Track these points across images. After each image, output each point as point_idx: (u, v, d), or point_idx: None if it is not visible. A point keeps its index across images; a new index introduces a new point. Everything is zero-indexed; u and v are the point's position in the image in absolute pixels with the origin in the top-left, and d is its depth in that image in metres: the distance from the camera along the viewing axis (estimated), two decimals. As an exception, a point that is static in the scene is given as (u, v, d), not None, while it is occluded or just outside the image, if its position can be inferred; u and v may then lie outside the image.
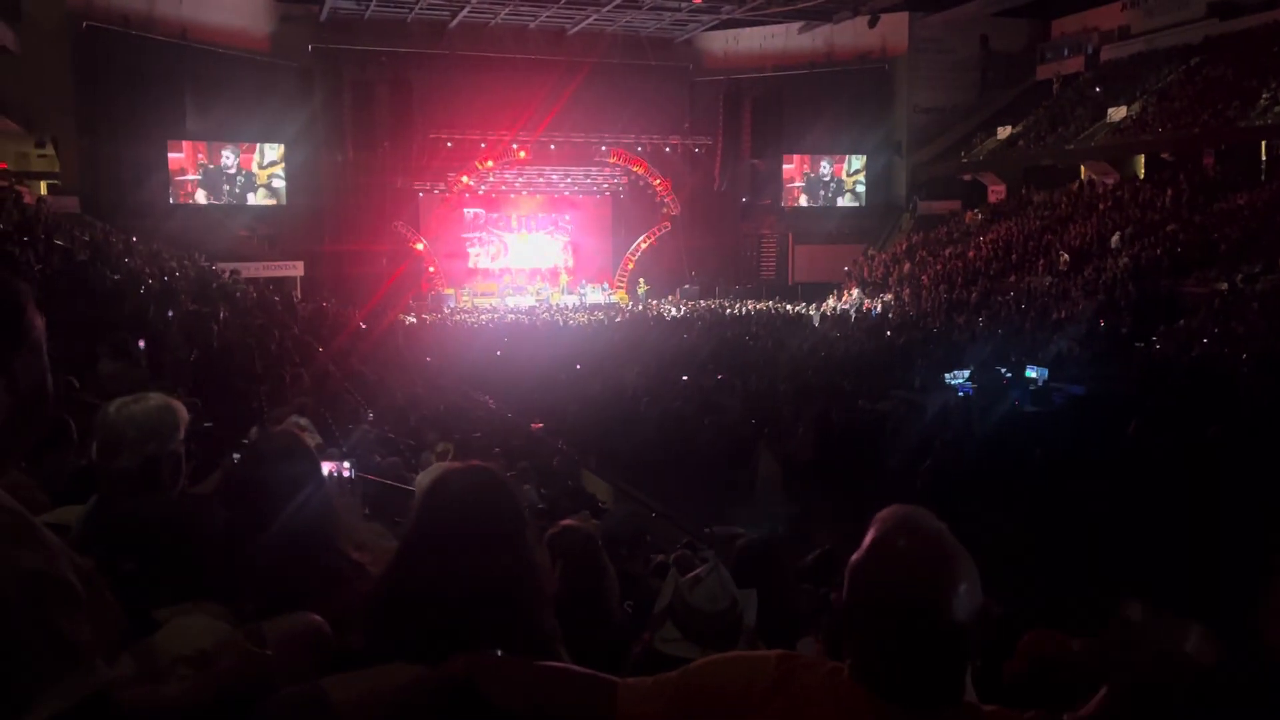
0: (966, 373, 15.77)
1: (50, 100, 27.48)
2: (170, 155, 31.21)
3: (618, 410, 14.73)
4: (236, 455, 2.62)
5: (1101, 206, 27.77)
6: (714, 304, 33.32)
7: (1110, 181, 29.76)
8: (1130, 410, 9.98)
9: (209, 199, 32.09)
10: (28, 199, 21.27)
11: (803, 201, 38.36)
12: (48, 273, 9.92)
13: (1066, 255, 25.35)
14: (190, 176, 31.92)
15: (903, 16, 34.92)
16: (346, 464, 3.43)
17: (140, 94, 29.22)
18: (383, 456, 7.34)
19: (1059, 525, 7.55)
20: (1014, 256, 27.57)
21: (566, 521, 3.50)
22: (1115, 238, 24.80)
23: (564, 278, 37.67)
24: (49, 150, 28.90)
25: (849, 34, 35.63)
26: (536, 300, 35.06)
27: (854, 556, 1.47)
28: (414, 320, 28.42)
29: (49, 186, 27.88)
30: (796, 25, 35.86)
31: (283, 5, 32.86)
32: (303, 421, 6.14)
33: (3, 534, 1.20)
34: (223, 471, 2.69)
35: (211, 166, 32.14)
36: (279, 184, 33.22)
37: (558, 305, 34.22)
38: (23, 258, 9.65)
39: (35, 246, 11.54)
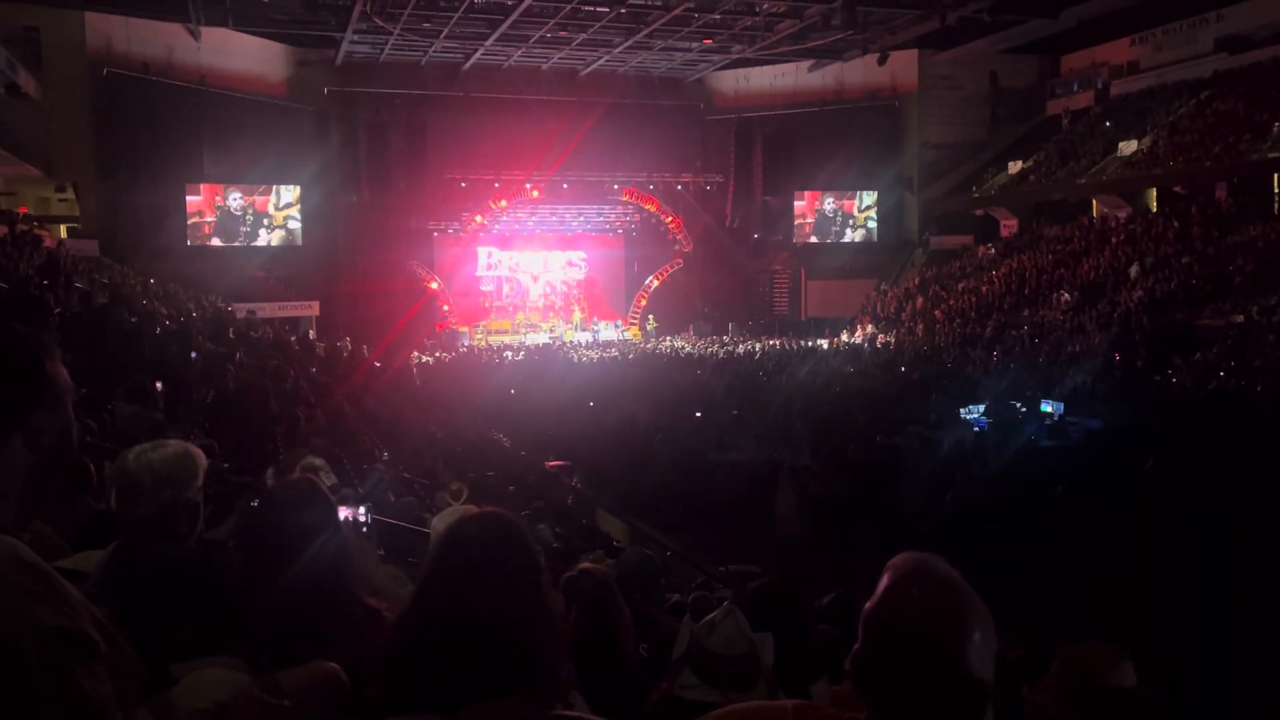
0: (982, 407, 15.71)
1: (71, 145, 27.92)
2: (188, 198, 31.59)
3: (632, 448, 14.69)
4: (254, 501, 2.63)
5: (1114, 240, 27.75)
6: (727, 340, 33.34)
7: (1123, 215, 29.77)
8: (1148, 444, 9.91)
9: (225, 241, 32.42)
10: (48, 242, 21.55)
11: (814, 237, 38.49)
12: (67, 316, 10.02)
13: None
14: (207, 219, 32.28)
15: (912, 54, 35.19)
16: (362, 509, 3.44)
17: (159, 138, 29.65)
18: (397, 496, 7.35)
19: (1078, 562, 7.48)
20: (1027, 291, 27.55)
21: (582, 564, 3.50)
22: (1134, 268, 24.76)
23: (577, 315, 37.82)
24: (69, 194, 29.32)
25: (859, 72, 35.91)
26: (550, 337, 35.18)
27: (868, 604, 1.47)
28: (428, 359, 28.52)
29: (69, 230, 28.26)
30: (806, 64, 36.17)
31: (299, 51, 33.37)
32: (317, 462, 6.16)
33: (24, 590, 1.21)
34: (239, 517, 2.70)
35: (228, 209, 32.49)
36: (295, 225, 33.56)
37: (571, 342, 34.33)
38: (43, 301, 9.75)
39: (55, 290, 11.67)
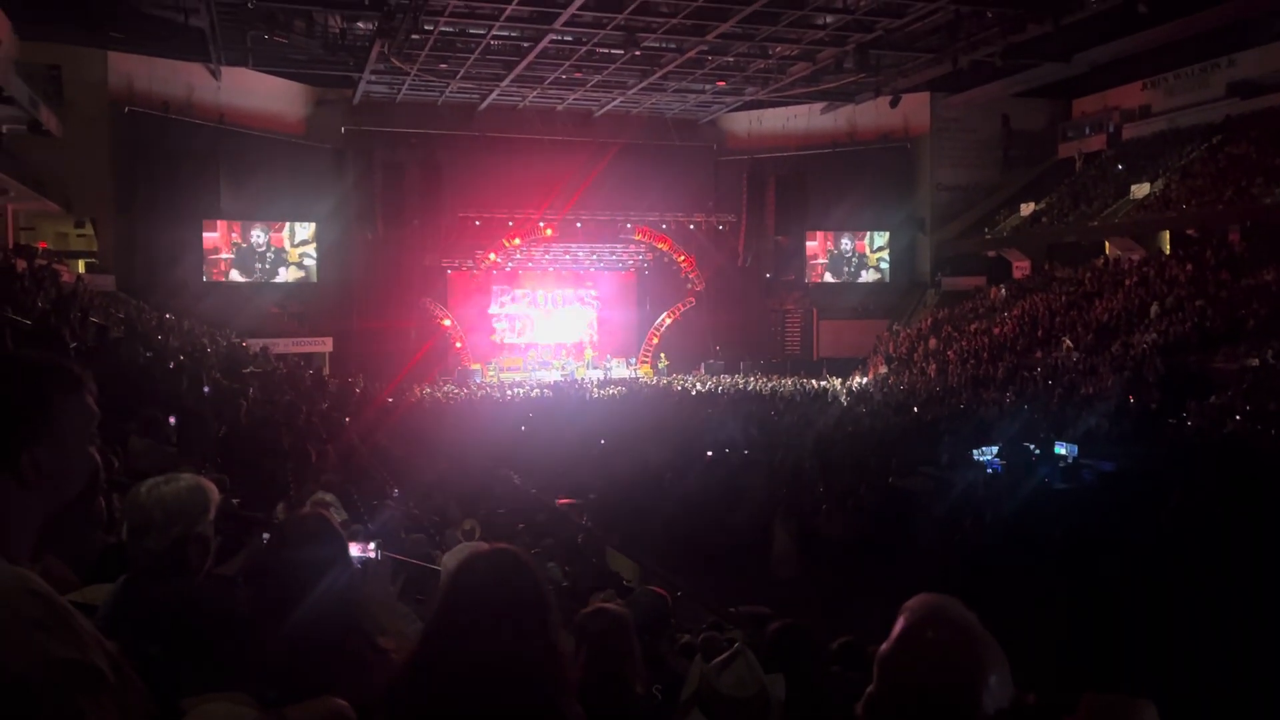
0: (995, 449, 15.61)
1: (91, 181, 28.28)
2: (205, 234, 31.89)
3: (642, 486, 14.65)
4: (265, 535, 2.63)
5: (1127, 282, 27.71)
6: (739, 379, 33.31)
7: (1136, 257, 29.75)
8: (1163, 488, 9.83)
9: (241, 276, 32.67)
10: (66, 277, 21.76)
11: (826, 277, 38.57)
12: (82, 350, 10.09)
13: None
14: (223, 255, 32.56)
15: (924, 97, 35.44)
16: (372, 545, 3.43)
17: (178, 175, 30.03)
18: (407, 533, 7.34)
19: (1092, 606, 7.40)
20: (1040, 332, 27.49)
21: (594, 604, 3.47)
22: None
23: (589, 352, 37.88)
24: (88, 230, 29.63)
25: (871, 114, 36.17)
26: (562, 375, 35.21)
27: (882, 647, 1.46)
28: (440, 396, 28.57)
29: (87, 265, 28.54)
30: (819, 106, 36.48)
31: (317, 90, 33.84)
32: (328, 497, 6.17)
33: (35, 621, 1.21)
34: (249, 553, 2.70)
35: (244, 245, 32.78)
36: (310, 262, 33.83)
37: (583, 380, 34.35)
38: (60, 335, 9.84)
39: (71, 324, 11.76)
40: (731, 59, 29.61)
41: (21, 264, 18.88)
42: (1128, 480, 12.46)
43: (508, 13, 24.43)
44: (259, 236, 32.96)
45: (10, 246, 24.65)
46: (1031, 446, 15.55)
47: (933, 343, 31.21)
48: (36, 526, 1.34)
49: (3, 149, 24.24)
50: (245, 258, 32.82)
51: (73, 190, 27.63)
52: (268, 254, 33.16)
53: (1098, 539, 8.87)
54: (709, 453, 16.80)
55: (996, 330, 29.16)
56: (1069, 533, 9.38)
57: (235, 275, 32.64)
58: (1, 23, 25.04)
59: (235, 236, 32.70)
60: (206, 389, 10.68)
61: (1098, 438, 16.76)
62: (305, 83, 33.21)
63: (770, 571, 11.01)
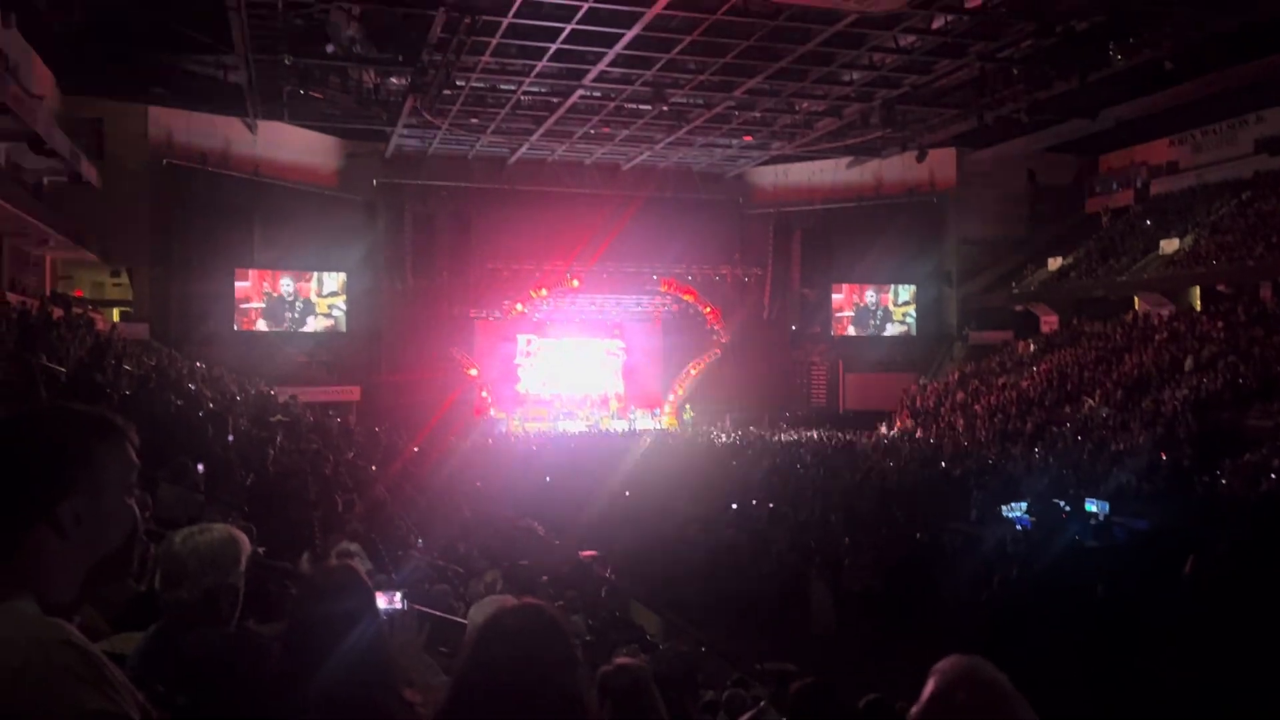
0: (1024, 505, 15.43)
1: (128, 232, 28.76)
2: (237, 284, 32.33)
3: (667, 539, 14.57)
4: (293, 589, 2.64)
5: (1158, 338, 27.48)
6: (764, 431, 33.15)
7: (1166, 313, 29.54)
8: (1198, 547, 9.65)
9: (271, 325, 33.04)
10: (100, 325, 22.11)
11: (852, 330, 38.49)
12: (116, 398, 10.21)
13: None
14: (254, 304, 32.96)
15: (950, 151, 35.58)
16: (398, 595, 3.43)
17: (213, 226, 30.59)
18: (432, 584, 7.32)
19: (1125, 667, 7.25)
20: (1069, 387, 27.23)
21: (618, 659, 3.45)
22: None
23: (614, 404, 37.88)
24: (123, 279, 30.12)
25: (897, 168, 36.36)
26: (587, 426, 35.19)
27: (913, 710, 1.44)
28: (466, 445, 28.60)
29: (121, 313, 28.97)
30: (845, 160, 36.71)
31: (350, 143, 34.47)
32: (352, 548, 6.17)
33: (68, 672, 1.22)
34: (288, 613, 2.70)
35: (275, 294, 33.19)
36: (339, 312, 34.18)
37: (608, 431, 34.30)
38: (98, 384, 9.98)
39: (105, 372, 11.93)
40: (758, 114, 29.91)
41: (58, 312, 19.23)
42: (1162, 539, 12.25)
43: (538, 69, 24.87)
44: (287, 286, 33.36)
45: (48, 295, 25.11)
46: (1062, 503, 15.35)
47: (960, 396, 30.99)
48: (78, 578, 1.36)
49: (43, 200, 24.77)
50: (275, 307, 33.21)
51: (110, 241, 28.11)
52: (296, 303, 33.56)
53: (1133, 598, 8.71)
54: (734, 505, 16.71)
55: (1025, 384, 28.94)
56: (1103, 592, 9.22)
57: (264, 325, 33.01)
58: (46, 77, 25.75)
59: (266, 285, 33.12)
60: (232, 437, 10.76)
61: (1129, 495, 16.52)
62: (338, 136, 33.85)
63: (810, 627, 10.87)
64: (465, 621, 4.22)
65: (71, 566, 1.35)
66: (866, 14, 19.26)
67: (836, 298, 38.43)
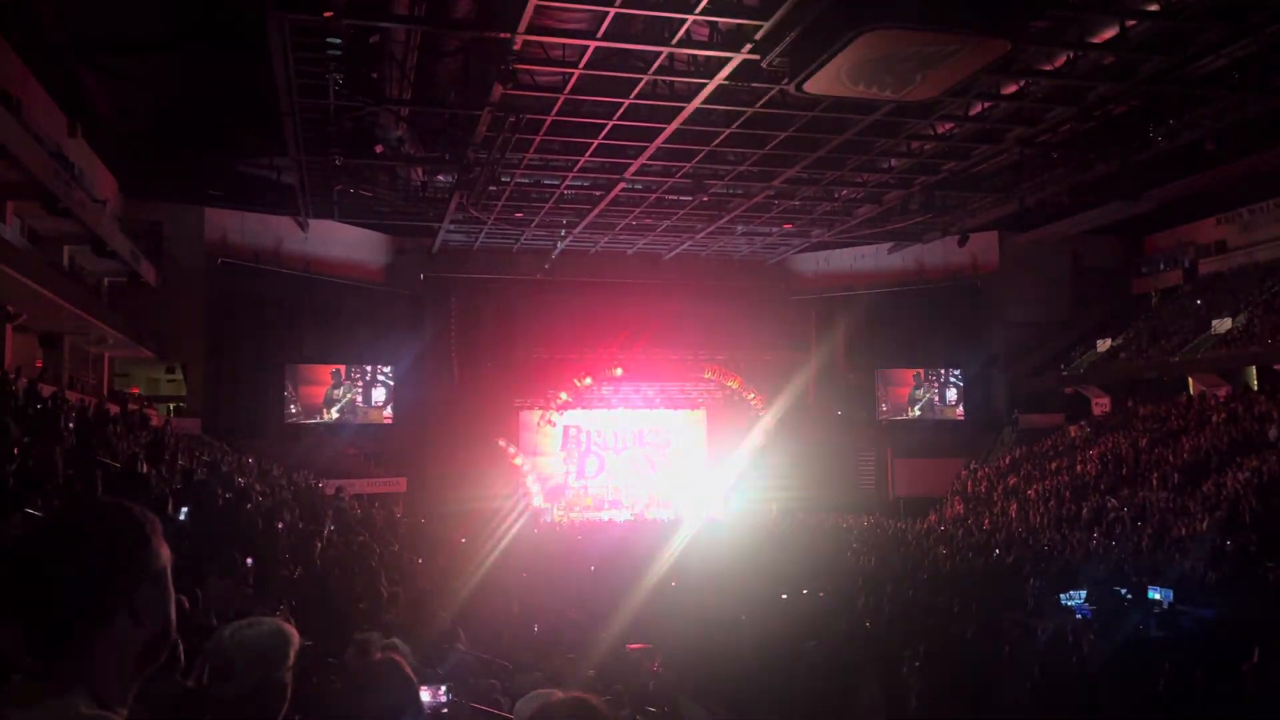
0: (1083, 593, 14.97)
1: (183, 330, 29.58)
2: (287, 379, 32.88)
3: (715, 631, 14.27)
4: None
5: (1215, 419, 26.87)
6: (811, 518, 32.61)
7: (1221, 393, 28.94)
8: (1265, 636, 9.28)
9: (320, 418, 33.45)
10: (155, 420, 22.56)
11: (899, 415, 38.11)
12: (169, 492, 10.36)
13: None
14: (303, 398, 33.45)
15: (992, 235, 35.63)
16: (443, 689, 3.39)
17: (264, 322, 31.46)
18: (476, 678, 7.22)
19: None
20: (1124, 471, 26.62)
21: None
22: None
23: (659, 491, 37.60)
24: (177, 374, 30.84)
25: (939, 252, 36.42)
26: (631, 514, 34.92)
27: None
28: (511, 536, 28.47)
29: (175, 408, 29.57)
30: (886, 245, 36.85)
31: (398, 239, 35.36)
32: (397, 641, 6.13)
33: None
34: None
35: (324, 387, 33.67)
36: (386, 404, 34.56)
37: (652, 519, 33.98)
38: (144, 478, 10.15)
39: (159, 466, 12.13)
40: (798, 202, 30.19)
41: (115, 408, 19.67)
42: (1231, 628, 11.79)
43: (580, 164, 25.42)
44: (336, 380, 33.73)
45: (105, 392, 25.73)
46: (1123, 591, 14.89)
47: (1012, 481, 30.40)
48: (128, 669, 1.38)
49: (102, 299, 25.57)
50: (324, 401, 33.67)
51: (166, 338, 28.88)
52: (345, 397, 34.00)
53: (1205, 692, 8.36)
54: (784, 595, 16.39)
55: (1079, 468, 28.34)
56: (1172, 685, 8.87)
57: (314, 417, 33.43)
58: (109, 182, 26.84)
59: (315, 379, 33.55)
60: (282, 526, 10.84)
61: (1194, 582, 15.97)
62: (386, 232, 34.74)
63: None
64: (511, 717, 4.15)
65: (127, 657, 1.37)
66: (903, 102, 19.49)
67: (882, 383, 38.17)
